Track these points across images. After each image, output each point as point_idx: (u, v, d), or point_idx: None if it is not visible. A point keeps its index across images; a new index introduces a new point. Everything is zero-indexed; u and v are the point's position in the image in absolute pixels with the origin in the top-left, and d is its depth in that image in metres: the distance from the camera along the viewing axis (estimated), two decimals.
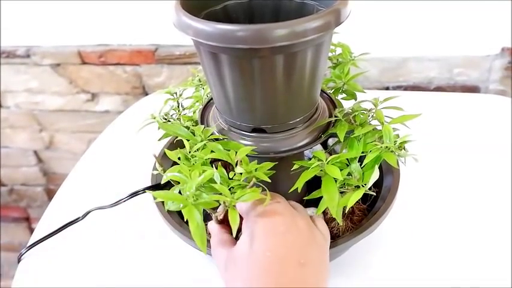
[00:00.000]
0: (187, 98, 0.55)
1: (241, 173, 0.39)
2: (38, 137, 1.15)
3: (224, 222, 0.42)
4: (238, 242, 0.38)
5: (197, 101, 0.55)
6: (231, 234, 0.39)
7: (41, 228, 0.58)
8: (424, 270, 0.49)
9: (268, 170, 0.40)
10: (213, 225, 0.42)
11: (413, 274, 0.49)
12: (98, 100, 1.04)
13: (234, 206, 0.37)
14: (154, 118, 0.53)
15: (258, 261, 0.35)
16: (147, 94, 0.99)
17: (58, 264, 0.53)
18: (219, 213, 0.40)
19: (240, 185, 0.38)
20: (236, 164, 0.40)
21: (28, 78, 1.03)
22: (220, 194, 0.37)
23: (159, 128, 0.49)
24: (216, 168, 0.39)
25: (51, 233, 0.54)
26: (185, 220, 0.43)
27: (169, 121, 0.54)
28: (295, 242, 0.37)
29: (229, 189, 0.38)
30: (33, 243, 0.54)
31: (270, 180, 0.39)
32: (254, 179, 0.38)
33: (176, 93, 0.55)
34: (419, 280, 0.48)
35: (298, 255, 0.36)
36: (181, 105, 0.55)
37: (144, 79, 0.98)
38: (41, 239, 0.54)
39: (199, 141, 0.43)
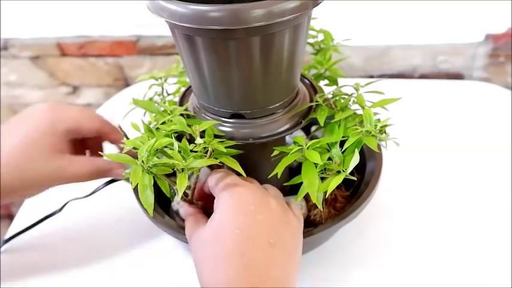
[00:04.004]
0: (172, 84, 0.55)
1: (204, 147, 0.38)
2: None
3: (198, 198, 0.42)
4: (208, 220, 0.37)
5: (183, 86, 0.54)
6: (205, 214, 0.39)
7: (18, 222, 0.57)
8: (411, 258, 0.49)
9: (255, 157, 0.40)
10: (185, 207, 0.42)
11: (400, 261, 0.48)
12: (80, 93, 1.02)
13: (184, 171, 0.36)
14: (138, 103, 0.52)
15: (227, 239, 0.35)
16: (129, 86, 0.98)
17: (35, 257, 0.52)
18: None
19: (200, 156, 0.38)
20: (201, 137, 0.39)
21: (7, 71, 1.00)
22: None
23: (144, 115, 0.48)
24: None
25: (28, 227, 0.53)
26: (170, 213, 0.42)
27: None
28: (265, 222, 0.36)
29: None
30: (9, 238, 0.53)
31: (233, 160, 0.39)
32: (210, 149, 0.38)
33: (161, 78, 0.54)
34: (405, 268, 0.48)
35: (268, 235, 0.35)
36: (166, 91, 0.55)
37: (126, 71, 0.96)
38: (17, 234, 0.53)
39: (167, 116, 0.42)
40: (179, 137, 0.40)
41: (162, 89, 0.54)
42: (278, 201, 0.39)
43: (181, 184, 0.35)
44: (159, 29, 0.87)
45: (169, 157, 0.36)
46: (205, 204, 0.42)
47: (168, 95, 0.55)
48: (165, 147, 0.38)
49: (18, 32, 0.93)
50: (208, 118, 0.42)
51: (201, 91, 0.41)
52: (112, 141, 0.51)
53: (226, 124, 0.42)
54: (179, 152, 0.37)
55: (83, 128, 0.47)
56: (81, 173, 0.44)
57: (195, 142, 0.38)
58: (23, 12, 0.90)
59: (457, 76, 0.86)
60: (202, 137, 0.39)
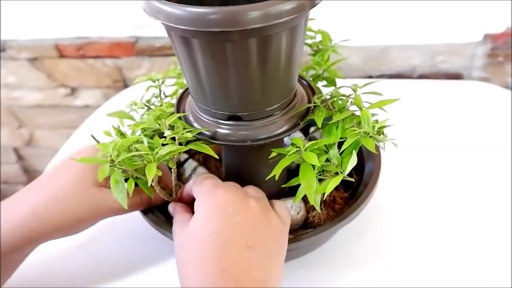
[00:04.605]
0: (170, 86, 0.54)
1: (173, 137, 0.39)
2: (17, 133, 1.12)
3: (183, 201, 0.43)
4: (189, 223, 0.37)
5: (180, 88, 0.54)
6: (192, 213, 0.39)
7: None
8: (410, 258, 0.49)
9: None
10: (172, 205, 0.43)
11: (399, 262, 0.48)
12: (78, 95, 1.02)
13: (153, 161, 0.37)
14: (136, 105, 0.52)
15: (204, 243, 0.35)
16: (128, 87, 0.98)
17: (34, 259, 0.52)
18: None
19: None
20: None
21: (5, 73, 1.00)
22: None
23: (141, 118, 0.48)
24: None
25: None
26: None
27: (150, 108, 0.53)
28: (243, 224, 0.36)
29: None
30: None
31: (204, 146, 0.40)
32: (178, 138, 0.39)
33: (158, 80, 0.54)
34: (405, 268, 0.48)
35: (246, 237, 0.35)
36: (164, 93, 0.55)
37: (124, 72, 0.96)
38: None
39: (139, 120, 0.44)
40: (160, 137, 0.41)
41: (160, 91, 0.54)
42: (259, 202, 0.39)
43: (150, 173, 0.36)
44: (157, 30, 0.87)
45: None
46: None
47: (166, 96, 0.55)
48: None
49: (16, 33, 0.93)
50: (206, 120, 0.42)
51: (198, 93, 0.41)
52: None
53: (223, 126, 0.42)
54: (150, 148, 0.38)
55: None
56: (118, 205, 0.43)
57: (164, 135, 0.39)
58: (21, 13, 0.90)
59: (456, 76, 0.86)
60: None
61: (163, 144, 0.38)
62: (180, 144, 0.39)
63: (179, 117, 0.42)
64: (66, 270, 0.51)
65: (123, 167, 0.38)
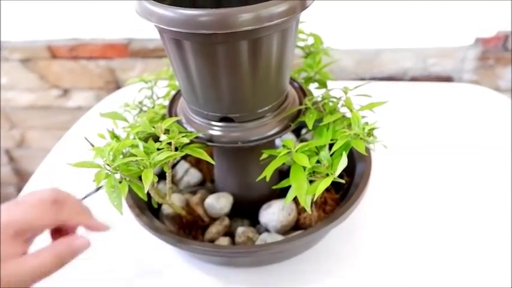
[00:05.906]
0: (163, 87, 0.55)
1: (169, 142, 0.39)
2: (9, 135, 1.12)
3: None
4: None
5: (173, 90, 0.54)
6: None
7: None
8: (402, 258, 0.49)
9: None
10: None
11: (391, 262, 0.49)
12: (70, 96, 1.02)
13: (149, 166, 0.37)
14: (128, 106, 0.52)
15: None
16: (120, 89, 0.97)
17: None
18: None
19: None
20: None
21: None
22: None
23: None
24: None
25: None
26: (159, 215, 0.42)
27: (142, 109, 0.53)
28: None
29: None
30: None
31: (199, 150, 0.40)
32: (174, 143, 0.38)
33: (151, 81, 0.54)
34: (397, 268, 0.48)
35: None
36: (156, 94, 0.55)
37: (117, 73, 0.96)
38: None
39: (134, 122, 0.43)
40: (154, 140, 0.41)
41: (152, 92, 0.55)
42: None
43: (147, 179, 0.36)
44: (151, 32, 0.87)
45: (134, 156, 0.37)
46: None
47: (158, 98, 0.55)
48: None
49: (9, 34, 0.93)
50: (198, 122, 0.42)
51: (190, 95, 0.41)
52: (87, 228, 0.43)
53: (215, 128, 0.42)
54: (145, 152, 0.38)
55: (35, 227, 0.41)
56: (35, 271, 0.38)
57: (160, 140, 0.39)
58: (14, 14, 0.90)
59: (447, 79, 0.87)
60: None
61: (158, 149, 0.38)
62: (176, 148, 0.39)
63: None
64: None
65: (118, 172, 0.37)
